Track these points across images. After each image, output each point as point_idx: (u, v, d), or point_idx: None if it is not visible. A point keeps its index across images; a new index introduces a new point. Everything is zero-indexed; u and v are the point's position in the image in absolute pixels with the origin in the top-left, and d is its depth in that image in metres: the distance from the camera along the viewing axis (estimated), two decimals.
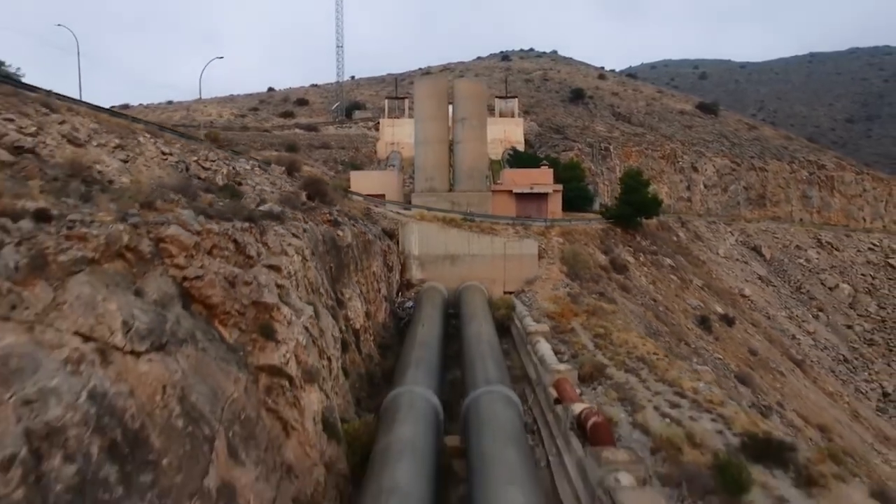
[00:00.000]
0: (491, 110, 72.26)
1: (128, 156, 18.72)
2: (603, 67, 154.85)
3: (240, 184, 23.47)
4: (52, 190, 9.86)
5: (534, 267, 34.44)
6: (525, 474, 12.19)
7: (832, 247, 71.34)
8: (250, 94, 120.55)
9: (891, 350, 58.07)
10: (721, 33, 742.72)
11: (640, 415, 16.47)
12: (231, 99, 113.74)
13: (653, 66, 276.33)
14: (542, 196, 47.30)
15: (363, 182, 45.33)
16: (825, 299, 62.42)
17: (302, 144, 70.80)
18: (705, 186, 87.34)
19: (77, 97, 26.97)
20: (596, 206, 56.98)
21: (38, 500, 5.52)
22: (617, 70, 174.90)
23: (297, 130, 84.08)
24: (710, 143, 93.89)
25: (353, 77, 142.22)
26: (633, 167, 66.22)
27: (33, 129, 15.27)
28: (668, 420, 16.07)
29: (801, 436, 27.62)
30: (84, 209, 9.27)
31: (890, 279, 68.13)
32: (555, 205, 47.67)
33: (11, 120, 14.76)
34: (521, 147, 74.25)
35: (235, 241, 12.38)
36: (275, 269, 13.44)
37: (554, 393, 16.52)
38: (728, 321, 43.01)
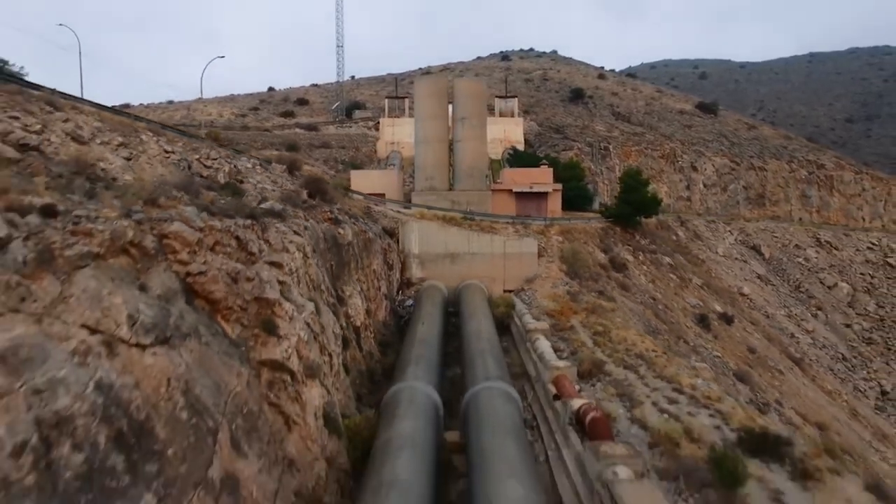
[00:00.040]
0: (491, 110, 72.36)
1: (131, 153, 18.87)
2: (603, 67, 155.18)
3: (241, 182, 23.58)
4: (57, 186, 10.00)
5: (533, 265, 34.57)
6: (524, 468, 12.33)
7: (831, 246, 71.49)
8: (251, 94, 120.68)
9: (889, 349, 58.22)
10: (721, 33, 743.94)
11: (638, 410, 16.60)
12: (231, 98, 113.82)
13: (653, 65, 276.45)
14: (542, 195, 47.42)
15: (363, 181, 45.41)
16: (824, 298, 62.56)
17: (302, 144, 70.87)
18: (705, 186, 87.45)
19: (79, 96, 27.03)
20: (595, 206, 57.08)
21: (48, 486, 5.66)
22: (617, 70, 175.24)
23: (297, 130, 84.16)
24: (709, 142, 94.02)
25: (353, 77, 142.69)
26: (632, 166, 66.40)
27: (38, 126, 15.42)
28: (666, 415, 16.20)
29: (800, 433, 27.71)
30: (89, 205, 9.41)
31: (888, 278, 68.29)
32: (554, 204, 47.80)
33: (17, 118, 14.92)
34: (520, 146, 74.33)
35: (237, 238, 12.51)
36: (276, 265, 13.58)
37: (553, 389, 16.69)
38: (727, 320, 43.12)
